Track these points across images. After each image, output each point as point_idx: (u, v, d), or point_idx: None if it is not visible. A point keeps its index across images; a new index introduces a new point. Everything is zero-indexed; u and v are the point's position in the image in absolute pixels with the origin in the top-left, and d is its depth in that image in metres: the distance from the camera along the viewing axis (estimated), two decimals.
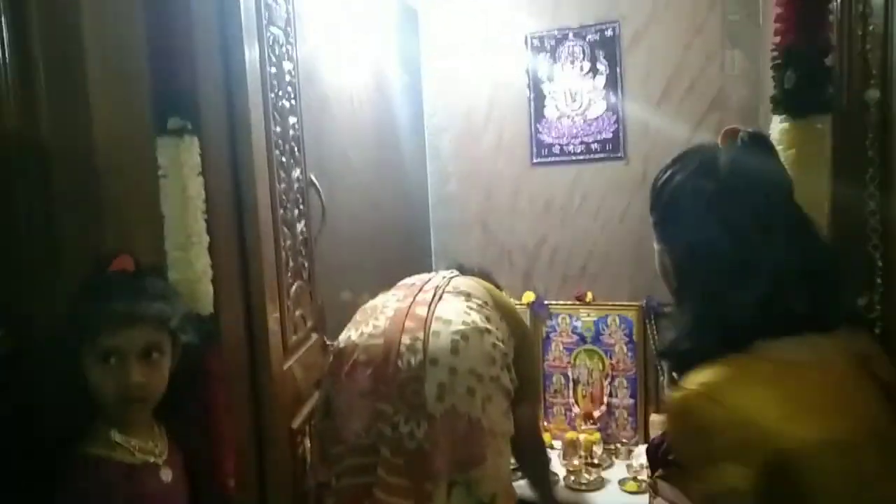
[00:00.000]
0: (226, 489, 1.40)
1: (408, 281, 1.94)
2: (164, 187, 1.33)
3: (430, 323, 1.71)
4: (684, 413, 0.99)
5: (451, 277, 1.94)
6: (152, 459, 1.24)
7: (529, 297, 2.99)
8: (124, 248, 1.30)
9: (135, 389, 1.20)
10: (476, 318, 1.76)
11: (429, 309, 1.75)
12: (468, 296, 1.84)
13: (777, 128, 1.26)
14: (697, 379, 0.99)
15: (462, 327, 1.71)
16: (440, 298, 1.80)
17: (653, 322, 2.80)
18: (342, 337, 1.79)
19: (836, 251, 1.15)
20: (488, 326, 1.76)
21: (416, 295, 1.81)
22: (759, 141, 1.11)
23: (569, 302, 2.94)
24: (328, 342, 2.01)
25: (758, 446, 0.92)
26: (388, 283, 1.95)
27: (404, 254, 2.97)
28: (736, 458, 0.93)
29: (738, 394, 0.95)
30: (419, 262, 3.13)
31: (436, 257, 3.21)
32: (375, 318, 1.77)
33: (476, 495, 1.69)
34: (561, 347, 2.91)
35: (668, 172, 1.15)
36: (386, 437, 1.62)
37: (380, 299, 1.87)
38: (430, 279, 1.92)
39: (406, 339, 1.68)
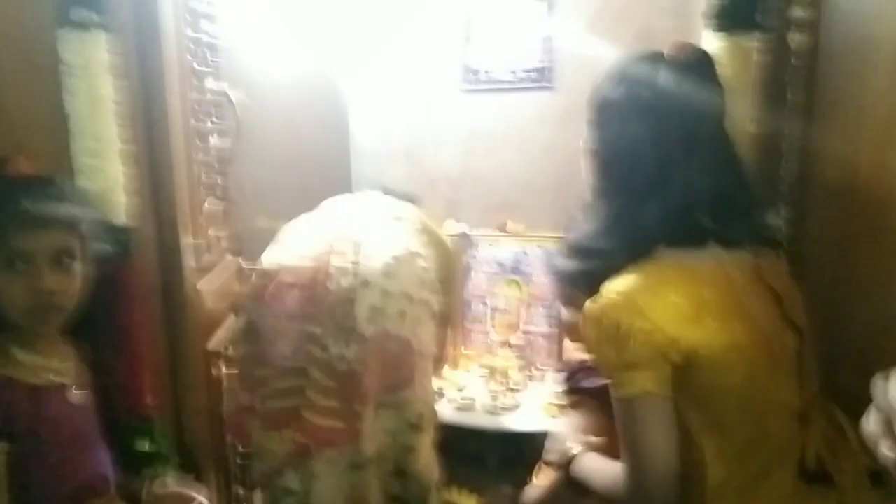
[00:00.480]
0: (142, 409, 1.34)
1: (335, 200, 1.88)
2: (70, 87, 1.21)
3: (362, 245, 1.68)
4: (603, 321, 1.03)
5: (380, 200, 1.89)
6: (58, 379, 1.16)
7: (452, 226, 2.98)
8: (20, 153, 1.20)
9: (46, 296, 1.11)
10: (407, 241, 1.73)
11: (359, 230, 1.71)
12: (399, 219, 1.81)
13: (708, 45, 1.26)
14: (614, 287, 1.04)
15: (395, 250, 1.68)
16: (371, 220, 1.76)
17: None
18: (265, 258, 1.73)
19: (752, 176, 1.19)
20: (419, 250, 1.74)
21: (345, 216, 1.77)
22: (704, 60, 1.11)
23: (491, 232, 2.95)
24: (245, 265, 1.94)
25: (668, 350, 0.99)
26: (306, 210, 1.89)
27: (324, 180, 2.88)
28: (649, 363, 1.00)
29: (652, 302, 1.01)
30: (340, 191, 3.04)
31: (356, 186, 3.13)
32: (302, 239, 1.72)
33: (404, 416, 1.71)
34: (482, 276, 2.93)
35: (612, 76, 1.17)
36: (316, 359, 1.60)
37: (304, 219, 1.81)
38: (357, 201, 1.86)
39: (336, 261, 1.64)
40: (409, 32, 2.95)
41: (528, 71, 2.83)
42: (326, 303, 1.60)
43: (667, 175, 1.06)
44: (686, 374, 1.01)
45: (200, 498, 1.35)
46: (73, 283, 1.15)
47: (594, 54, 2.74)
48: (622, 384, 1.02)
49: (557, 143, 2.86)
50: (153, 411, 1.35)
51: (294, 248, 1.71)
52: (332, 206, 1.85)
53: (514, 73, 2.84)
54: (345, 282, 1.61)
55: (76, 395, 1.19)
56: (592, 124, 1.20)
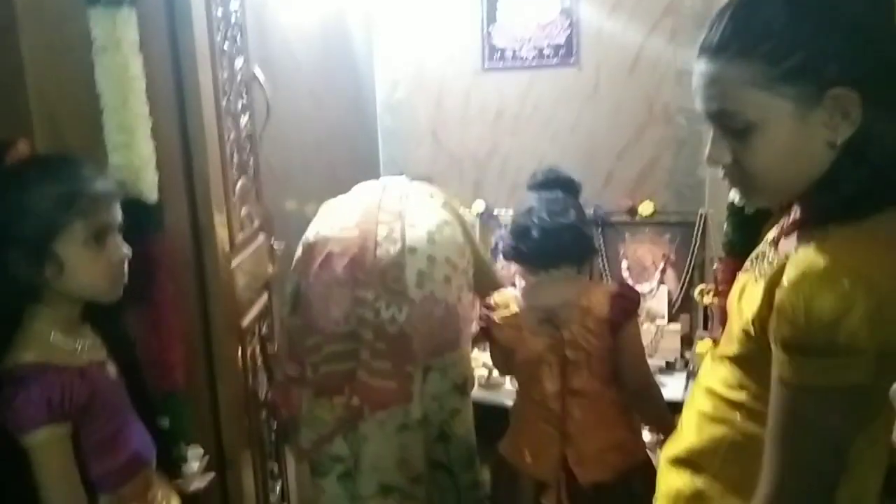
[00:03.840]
0: (173, 384, 1.37)
1: (367, 184, 1.93)
2: (100, 65, 1.23)
3: (405, 215, 1.75)
4: (824, 290, 0.80)
5: (408, 181, 1.95)
6: (96, 357, 1.19)
7: (479, 206, 2.98)
8: (52, 131, 1.21)
9: (122, 265, 1.15)
10: (444, 214, 1.81)
11: (400, 202, 1.78)
12: (432, 195, 1.88)
13: None
14: (839, 258, 0.82)
15: (436, 219, 1.76)
16: (408, 197, 1.82)
17: (601, 231, 2.83)
18: (309, 233, 1.80)
19: None
20: (454, 222, 1.82)
21: (384, 192, 1.82)
22: None
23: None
24: (275, 245, 1.96)
25: (890, 338, 0.80)
26: (335, 191, 1.92)
27: (351, 161, 2.90)
28: (865, 349, 0.79)
29: (884, 276, 0.81)
30: (367, 172, 3.05)
31: (384, 168, 3.14)
32: (344, 213, 1.78)
33: (451, 378, 1.80)
34: (503, 255, 2.92)
35: None
36: (368, 322, 1.67)
37: (343, 198, 1.87)
38: (389, 181, 1.92)
39: (382, 230, 1.71)
40: (432, 12, 2.93)
41: (553, 48, 2.80)
42: (376, 269, 1.67)
43: None
44: (883, 366, 0.81)
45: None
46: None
47: (620, 30, 2.72)
48: (830, 371, 0.81)
49: (584, 121, 2.84)
50: (179, 388, 1.38)
51: (337, 221, 1.77)
52: (367, 186, 1.90)
53: (539, 50, 2.81)
54: (393, 249, 1.68)
55: (113, 369, 1.22)
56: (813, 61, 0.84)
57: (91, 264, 1.11)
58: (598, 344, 1.61)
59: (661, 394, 1.75)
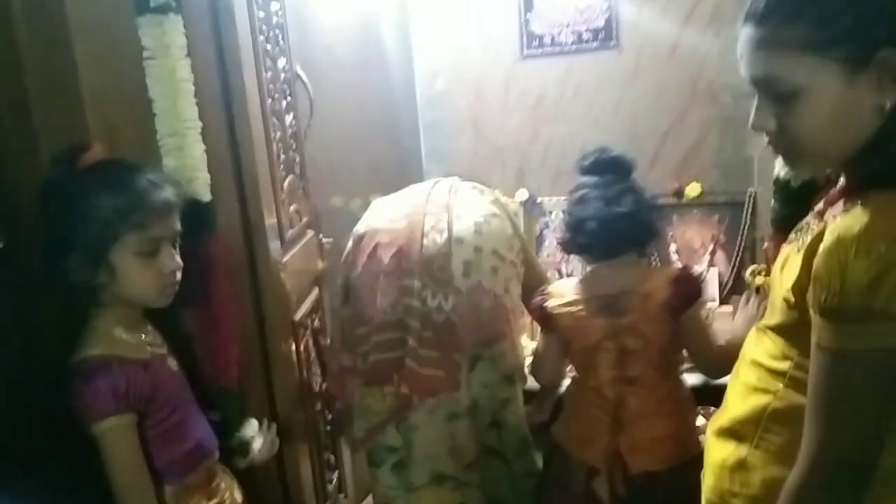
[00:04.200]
0: (228, 381, 1.40)
1: (415, 185, 1.96)
2: (150, 71, 1.27)
3: (452, 207, 1.77)
4: (872, 253, 0.79)
5: (459, 180, 1.97)
6: (158, 351, 1.24)
7: (522, 194, 2.97)
8: (108, 137, 1.26)
9: (174, 275, 1.20)
10: (493, 208, 1.82)
11: (448, 196, 1.80)
12: (482, 191, 1.89)
13: None
14: (876, 223, 0.81)
15: (484, 212, 1.77)
16: (456, 191, 1.84)
17: None
18: (359, 225, 1.83)
19: None
20: (504, 217, 1.83)
21: (433, 188, 1.85)
22: None
23: (563, 198, 2.91)
24: (324, 240, 2.00)
25: None
26: (378, 186, 1.95)
27: (394, 155, 2.92)
28: None
29: None
30: (410, 165, 3.08)
31: (426, 160, 3.16)
32: (393, 207, 1.82)
33: (500, 369, 1.80)
34: (555, 244, 2.91)
35: None
36: (414, 311, 1.68)
37: (393, 195, 1.90)
38: (439, 179, 1.93)
39: (430, 221, 1.73)
40: (469, 2, 2.92)
41: (591, 31, 2.77)
42: (423, 258, 1.68)
43: None
44: None
45: None
46: (180, 259, 1.22)
47: (660, 10, 2.67)
48: (867, 335, 0.81)
49: (626, 104, 2.80)
50: (234, 385, 1.41)
51: (386, 214, 1.80)
52: (417, 185, 1.93)
53: (577, 34, 2.79)
54: (439, 238, 1.70)
55: (174, 363, 1.26)
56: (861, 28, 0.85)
57: (141, 274, 1.16)
58: (658, 330, 1.58)
59: (733, 346, 1.63)
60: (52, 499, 1.08)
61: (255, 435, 1.41)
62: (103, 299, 1.18)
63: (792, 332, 0.96)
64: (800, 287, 0.90)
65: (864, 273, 0.80)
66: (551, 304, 1.69)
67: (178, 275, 1.21)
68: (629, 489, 1.60)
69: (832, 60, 0.83)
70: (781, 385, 0.98)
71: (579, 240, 1.65)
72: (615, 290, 1.61)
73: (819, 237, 0.87)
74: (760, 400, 1.01)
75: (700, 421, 2.27)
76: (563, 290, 1.70)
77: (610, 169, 1.67)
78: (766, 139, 0.94)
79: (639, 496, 1.60)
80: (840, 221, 0.85)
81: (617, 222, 1.59)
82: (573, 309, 1.65)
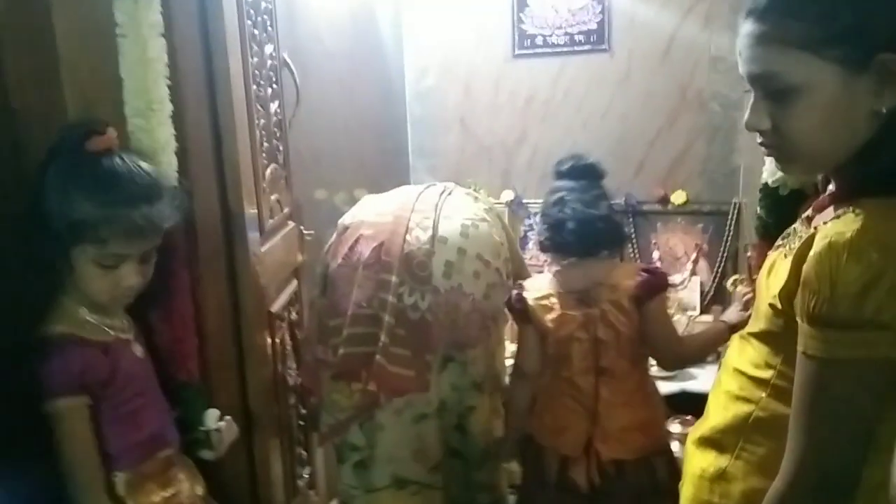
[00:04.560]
0: (188, 375, 1.36)
1: (409, 186, 1.96)
2: (122, 49, 1.22)
3: (441, 207, 1.76)
4: (862, 261, 0.78)
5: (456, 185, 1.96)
6: (123, 335, 1.21)
7: (508, 195, 2.95)
8: (85, 114, 1.22)
9: (129, 290, 1.17)
10: (484, 214, 1.81)
11: (440, 197, 1.80)
12: (476, 198, 1.89)
13: None
14: (869, 229, 0.80)
15: (473, 216, 1.76)
16: (449, 194, 1.84)
17: (632, 219, 2.80)
18: (346, 217, 1.82)
19: None
20: (495, 224, 1.82)
21: (426, 188, 1.85)
22: None
23: None
24: (305, 232, 1.97)
25: None
26: (363, 180, 1.93)
27: (380, 149, 2.89)
28: (890, 324, 0.78)
29: None
30: (396, 160, 3.06)
31: (412, 156, 3.14)
32: (382, 202, 1.81)
33: (471, 374, 1.77)
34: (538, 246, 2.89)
35: None
36: (390, 307, 1.66)
37: (385, 193, 1.89)
38: (435, 183, 1.94)
39: (416, 218, 1.72)
40: None
41: (584, 33, 2.76)
42: (404, 254, 1.67)
43: None
44: None
45: None
46: (149, 273, 1.19)
47: (653, 15, 2.67)
48: (855, 344, 0.80)
49: (615, 108, 2.80)
50: (194, 379, 1.37)
51: (375, 207, 1.79)
52: (409, 187, 1.93)
53: (569, 36, 2.78)
54: (423, 236, 1.68)
55: (138, 348, 1.23)
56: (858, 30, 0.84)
57: (95, 280, 1.13)
58: (627, 321, 1.64)
59: (694, 347, 1.77)
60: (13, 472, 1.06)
61: (216, 425, 1.38)
62: (71, 280, 1.15)
63: (776, 339, 0.95)
64: (787, 293, 0.89)
65: (855, 280, 0.78)
66: (527, 296, 1.72)
67: (135, 289, 1.18)
68: (601, 478, 1.66)
69: (831, 60, 0.82)
70: (764, 394, 0.97)
71: (559, 239, 1.70)
72: (587, 284, 1.68)
73: (808, 242, 0.85)
74: (742, 409, 1.00)
75: (676, 428, 2.28)
76: (538, 285, 1.74)
77: (585, 174, 1.75)
78: (759, 139, 0.93)
79: (609, 484, 1.66)
80: (831, 227, 0.84)
81: (595, 224, 1.66)
82: (547, 301, 1.70)
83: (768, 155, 0.95)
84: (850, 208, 0.85)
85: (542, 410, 1.77)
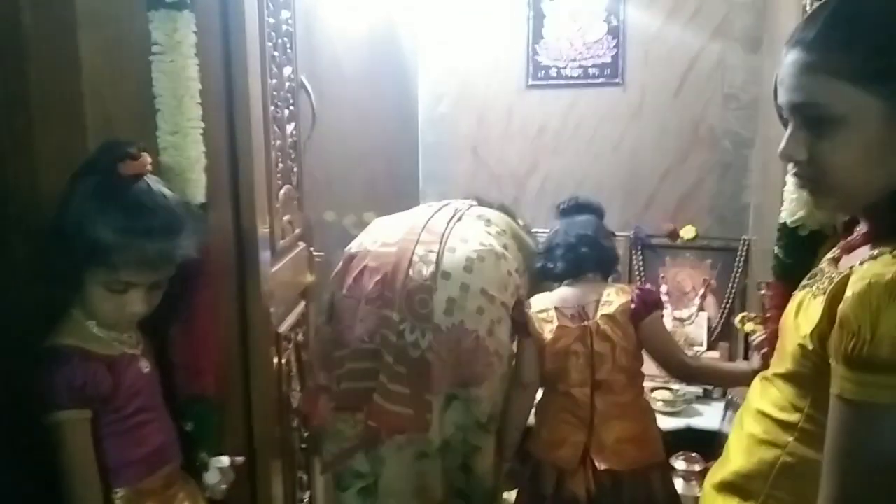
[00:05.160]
0: (203, 389, 1.36)
1: (425, 204, 1.97)
2: (158, 66, 1.24)
3: (447, 238, 1.72)
4: (888, 307, 0.77)
5: (472, 205, 1.95)
6: (130, 350, 1.20)
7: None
8: (105, 130, 1.23)
9: (133, 318, 1.18)
10: (494, 242, 1.77)
11: (447, 225, 1.76)
12: (488, 221, 1.85)
13: None
14: None
15: (479, 248, 1.72)
16: (459, 219, 1.81)
17: (640, 253, 2.79)
18: (354, 244, 1.80)
19: None
20: (505, 253, 1.77)
21: (436, 213, 1.83)
22: None
23: None
24: (315, 253, 1.97)
25: None
26: (373, 204, 1.94)
27: (392, 174, 2.90)
28: None
29: None
30: (407, 185, 3.07)
31: (423, 182, 3.15)
32: (390, 228, 1.78)
33: (475, 413, 1.72)
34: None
35: None
36: (390, 343, 1.63)
37: (397, 214, 1.88)
38: (449, 202, 1.93)
39: (420, 250, 1.68)
40: (478, 28, 2.94)
41: (598, 66, 2.78)
42: (405, 290, 1.64)
43: None
44: None
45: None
46: (156, 301, 1.20)
47: (667, 51, 2.69)
48: (890, 388, 0.77)
49: (626, 142, 2.82)
50: (209, 394, 1.37)
51: (382, 235, 1.76)
52: (424, 205, 1.92)
53: (583, 68, 2.80)
54: (426, 271, 1.64)
55: (146, 364, 1.23)
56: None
57: (103, 301, 1.14)
58: (622, 334, 1.73)
59: (706, 367, 1.92)
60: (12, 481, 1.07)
61: (215, 468, 1.37)
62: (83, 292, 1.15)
63: (804, 381, 0.93)
64: (819, 334, 0.87)
65: None
66: (529, 311, 1.81)
67: (139, 315, 1.18)
68: (597, 489, 1.71)
69: (876, 95, 0.82)
70: (791, 438, 0.94)
71: (549, 265, 1.85)
72: (582, 301, 1.79)
73: (843, 283, 0.84)
74: (768, 454, 0.96)
75: (680, 465, 2.25)
76: (539, 302, 1.83)
77: (583, 211, 1.93)
78: (792, 170, 0.92)
79: (606, 497, 1.71)
80: (869, 268, 0.82)
81: (578, 248, 1.81)
82: (546, 315, 1.79)
83: (801, 187, 0.94)
84: (889, 249, 0.83)
85: (539, 426, 1.83)
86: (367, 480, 1.75)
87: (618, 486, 1.70)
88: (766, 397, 1.00)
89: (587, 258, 1.82)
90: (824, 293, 0.88)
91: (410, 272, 1.65)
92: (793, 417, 0.94)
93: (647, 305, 1.75)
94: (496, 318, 1.70)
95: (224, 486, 1.37)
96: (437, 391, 1.65)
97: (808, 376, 0.91)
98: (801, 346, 0.91)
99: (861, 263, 0.86)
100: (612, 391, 1.74)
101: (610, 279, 1.92)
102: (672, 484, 1.80)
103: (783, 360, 0.97)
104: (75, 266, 1.12)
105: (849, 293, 0.81)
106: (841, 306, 0.82)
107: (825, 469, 0.84)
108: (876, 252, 0.85)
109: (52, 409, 1.10)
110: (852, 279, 0.83)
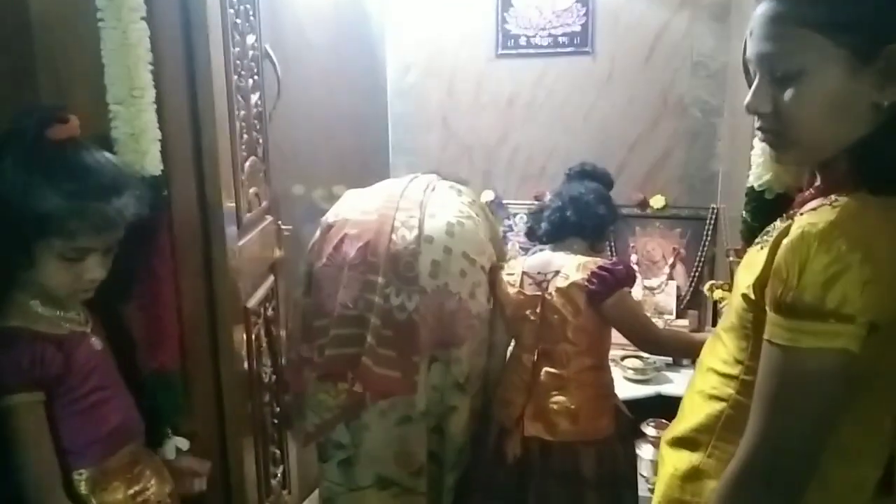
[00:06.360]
0: (164, 363, 1.33)
1: (393, 178, 1.96)
2: (103, 34, 1.19)
3: (426, 205, 1.74)
4: (826, 253, 0.79)
5: (439, 178, 1.94)
6: (79, 328, 1.17)
7: (488, 195, 2.94)
8: (58, 99, 1.19)
9: (91, 285, 1.13)
10: (468, 210, 1.80)
11: (423, 193, 1.78)
12: (459, 192, 1.88)
13: None
14: (847, 220, 0.81)
15: (458, 214, 1.76)
16: (433, 189, 1.83)
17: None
18: (329, 214, 1.80)
19: None
20: (480, 220, 1.82)
21: (409, 183, 1.84)
22: None
23: (527, 201, 2.90)
24: (283, 227, 1.94)
25: (883, 310, 0.79)
26: (341, 176, 1.91)
27: (360, 145, 2.86)
28: (859, 318, 0.78)
29: (885, 246, 0.80)
30: (376, 157, 3.04)
31: (392, 153, 3.11)
32: (367, 198, 1.79)
33: (453, 374, 1.75)
34: (517, 247, 2.89)
35: None
36: (376, 307, 1.64)
37: (369, 187, 1.87)
38: (418, 175, 1.93)
39: (401, 216, 1.70)
40: None
41: (568, 36, 2.76)
42: (390, 254, 1.65)
43: None
44: (874, 339, 0.80)
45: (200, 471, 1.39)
46: (109, 264, 1.15)
47: (636, 20, 2.68)
48: (817, 334, 0.80)
49: (596, 111, 2.81)
50: (171, 368, 1.34)
51: (360, 204, 1.76)
52: (394, 180, 1.91)
53: (553, 38, 2.78)
54: (409, 235, 1.67)
55: (98, 342, 1.19)
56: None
57: (58, 274, 1.10)
58: (574, 311, 1.70)
59: (678, 340, 1.85)
60: None
61: (172, 445, 1.35)
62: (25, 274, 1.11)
63: (745, 333, 0.95)
64: (760, 283, 0.89)
65: (821, 270, 0.78)
66: (503, 273, 1.83)
67: (97, 281, 1.14)
68: (526, 453, 1.72)
69: (842, 46, 0.82)
70: (733, 391, 0.97)
71: (534, 226, 1.87)
72: (548, 269, 1.76)
73: (784, 233, 0.86)
74: (714, 407, 0.99)
75: (651, 432, 2.28)
76: (512, 266, 1.85)
77: (586, 177, 1.88)
78: (757, 123, 0.93)
79: (534, 463, 1.72)
80: (806, 217, 0.84)
81: (565, 209, 1.78)
82: (511, 279, 1.80)
83: (764, 140, 0.95)
84: (829, 201, 0.85)
85: (497, 383, 1.86)
86: (348, 451, 1.76)
87: (545, 456, 1.71)
88: (714, 353, 1.03)
89: (569, 223, 1.78)
90: (769, 244, 0.89)
91: (393, 237, 1.66)
92: (735, 370, 0.97)
93: (608, 285, 1.65)
94: (476, 280, 1.74)
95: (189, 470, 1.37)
96: (423, 353, 1.68)
97: (748, 328, 0.94)
98: (745, 297, 0.93)
99: (801, 214, 0.87)
100: (555, 362, 1.72)
101: (594, 248, 1.83)
102: (614, 462, 1.73)
103: (729, 315, 1.00)
104: (25, 241, 1.06)
105: (784, 241, 0.83)
106: (776, 254, 0.84)
107: (752, 408, 0.87)
108: (817, 203, 0.87)
109: (1, 392, 1.06)
110: (791, 228, 0.84)
